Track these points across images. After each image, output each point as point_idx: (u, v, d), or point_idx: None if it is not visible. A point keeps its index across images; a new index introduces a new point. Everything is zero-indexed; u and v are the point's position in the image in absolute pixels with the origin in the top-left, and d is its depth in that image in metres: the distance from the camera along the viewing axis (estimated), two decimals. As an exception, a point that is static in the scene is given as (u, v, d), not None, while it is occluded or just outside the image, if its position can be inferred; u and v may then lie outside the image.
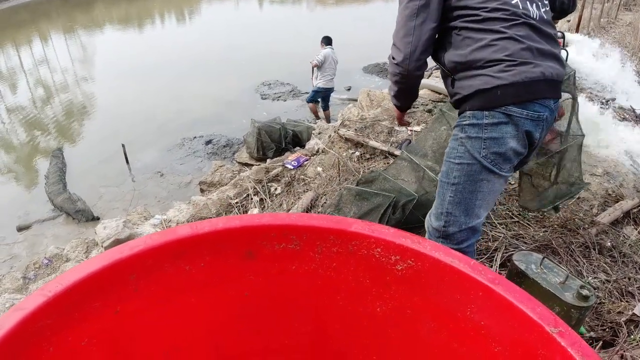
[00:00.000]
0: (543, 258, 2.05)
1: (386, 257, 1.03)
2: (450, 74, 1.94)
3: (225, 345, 1.25)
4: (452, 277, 0.97)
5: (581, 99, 5.95)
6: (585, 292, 1.92)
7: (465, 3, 1.82)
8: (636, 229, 3.68)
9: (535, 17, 1.83)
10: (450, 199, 1.94)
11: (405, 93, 2.11)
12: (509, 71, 1.75)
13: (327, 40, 8.69)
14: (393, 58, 1.94)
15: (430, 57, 1.99)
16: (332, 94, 9.18)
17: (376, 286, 1.10)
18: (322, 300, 1.18)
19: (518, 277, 2.05)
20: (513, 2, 1.81)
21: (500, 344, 0.95)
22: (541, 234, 3.04)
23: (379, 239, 1.02)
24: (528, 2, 1.84)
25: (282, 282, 1.14)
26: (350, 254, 1.07)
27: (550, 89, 1.83)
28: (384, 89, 7.31)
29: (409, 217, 2.95)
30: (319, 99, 9.03)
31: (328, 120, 9.04)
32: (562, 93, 4.44)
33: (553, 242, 2.93)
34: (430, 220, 2.06)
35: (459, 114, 1.96)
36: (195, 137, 8.82)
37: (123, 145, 7.86)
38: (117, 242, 3.57)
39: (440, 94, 5.67)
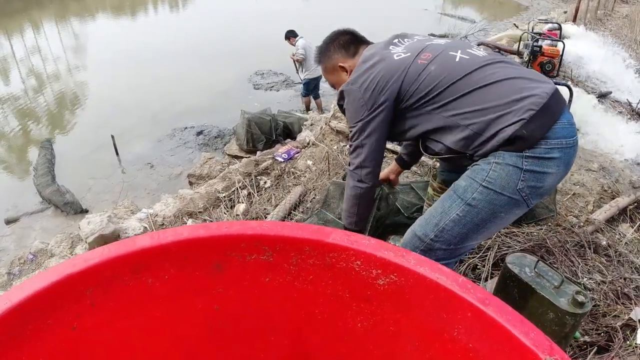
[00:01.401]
0: (537, 261, 1.96)
1: (367, 271, 0.94)
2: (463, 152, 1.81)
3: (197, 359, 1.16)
4: (438, 295, 0.88)
5: (577, 91, 5.87)
6: (580, 298, 1.84)
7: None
8: (632, 227, 3.61)
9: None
10: (456, 217, 1.77)
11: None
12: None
13: (293, 33, 8.51)
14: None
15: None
16: (324, 84, 9.05)
17: (356, 301, 1.01)
18: (299, 314, 1.09)
19: (511, 280, 1.97)
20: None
21: (490, 368, 0.87)
22: (535, 233, 2.96)
23: (359, 251, 0.93)
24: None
25: (255, 295, 1.05)
26: (327, 266, 0.98)
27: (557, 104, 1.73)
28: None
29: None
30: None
31: (320, 109, 8.91)
32: (558, 85, 4.38)
33: (547, 241, 2.85)
34: (416, 227, 1.89)
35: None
36: (186, 128, 8.69)
37: (112, 137, 7.73)
38: (102, 237, 3.47)
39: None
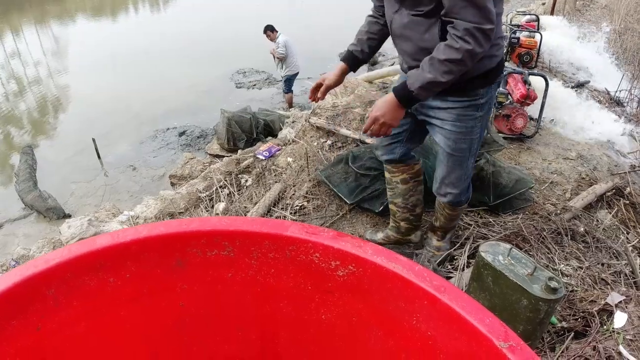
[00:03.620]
0: (510, 249, 1.99)
1: (326, 263, 0.96)
2: None
3: (166, 357, 1.17)
4: (396, 284, 0.90)
5: (555, 81, 5.93)
6: (553, 284, 1.86)
7: None
8: (610, 213, 3.65)
9: None
10: (471, 164, 2.22)
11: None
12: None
13: (272, 28, 8.46)
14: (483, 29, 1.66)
15: None
16: (308, 81, 9.03)
17: (319, 293, 1.02)
18: (265, 308, 1.10)
19: (485, 269, 1.99)
20: None
21: (447, 356, 0.88)
22: (511, 222, 2.99)
23: (317, 243, 0.94)
24: None
25: (219, 291, 1.06)
26: (288, 259, 0.99)
27: None
28: (358, 75, 7.21)
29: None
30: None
31: (290, 104, 8.85)
32: (535, 76, 4.42)
33: (524, 229, 2.88)
34: (450, 188, 2.27)
35: (466, 94, 1.98)
36: (168, 129, 8.65)
37: (94, 140, 7.67)
38: (82, 240, 3.45)
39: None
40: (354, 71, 2.36)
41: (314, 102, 2.45)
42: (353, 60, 2.26)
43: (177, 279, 1.02)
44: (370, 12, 2.27)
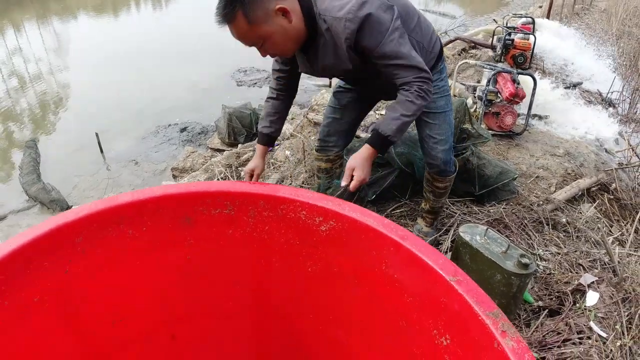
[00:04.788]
0: (487, 229, 2.17)
1: (311, 219, 1.13)
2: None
3: (174, 306, 1.34)
4: (369, 235, 1.08)
5: (546, 81, 6.10)
6: (525, 260, 2.04)
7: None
8: (592, 205, 3.80)
9: None
10: (452, 122, 2.52)
11: None
12: None
13: None
14: (424, 77, 1.93)
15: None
16: (308, 81, 9.20)
17: (306, 247, 1.20)
18: (260, 263, 1.27)
19: (463, 247, 2.17)
20: None
21: (410, 295, 1.06)
22: (493, 210, 3.16)
23: (304, 202, 1.12)
24: None
25: (221, 246, 1.24)
26: (280, 217, 1.17)
27: None
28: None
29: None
30: None
31: None
32: (523, 75, 4.60)
33: (506, 218, 3.05)
34: (440, 145, 2.48)
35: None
36: (170, 125, 8.82)
37: (97, 134, 7.83)
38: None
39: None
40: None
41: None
42: (271, 141, 2.40)
43: (185, 235, 1.20)
44: (270, 95, 2.41)
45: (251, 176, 2.26)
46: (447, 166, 2.58)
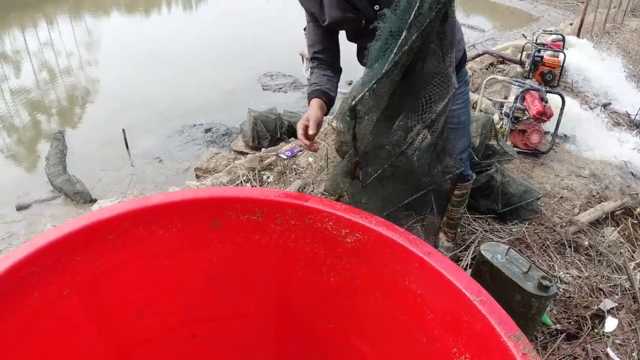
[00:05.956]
0: (509, 248, 2.16)
1: (337, 230, 1.15)
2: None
3: (197, 307, 1.37)
4: (394, 250, 1.09)
5: (574, 101, 6.04)
6: (545, 282, 2.03)
7: None
8: (616, 229, 3.76)
9: None
10: (470, 134, 2.52)
11: None
12: None
13: None
14: None
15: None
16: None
17: (330, 257, 1.21)
18: (284, 270, 1.29)
19: (484, 265, 2.16)
20: None
21: (432, 311, 1.07)
22: (516, 229, 3.15)
23: (332, 213, 1.14)
24: None
25: (247, 251, 1.26)
26: (306, 227, 1.18)
27: None
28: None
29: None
30: None
31: None
32: (552, 94, 4.56)
33: (528, 238, 3.04)
34: (462, 155, 2.48)
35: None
36: (195, 125, 8.91)
37: (123, 130, 7.95)
38: (111, 221, 3.67)
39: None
40: (326, 114, 1.98)
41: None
42: (324, 96, 1.96)
43: (213, 238, 1.22)
44: (315, 64, 2.09)
45: (305, 127, 1.74)
46: (467, 170, 2.63)
